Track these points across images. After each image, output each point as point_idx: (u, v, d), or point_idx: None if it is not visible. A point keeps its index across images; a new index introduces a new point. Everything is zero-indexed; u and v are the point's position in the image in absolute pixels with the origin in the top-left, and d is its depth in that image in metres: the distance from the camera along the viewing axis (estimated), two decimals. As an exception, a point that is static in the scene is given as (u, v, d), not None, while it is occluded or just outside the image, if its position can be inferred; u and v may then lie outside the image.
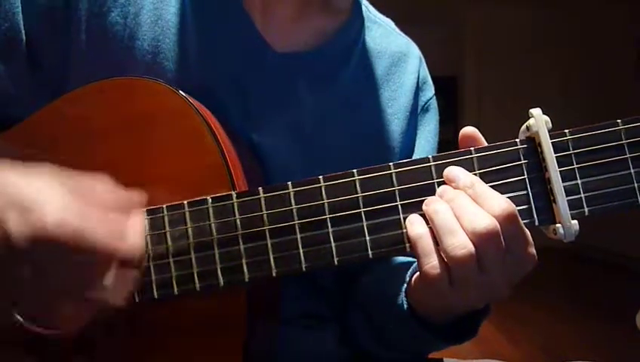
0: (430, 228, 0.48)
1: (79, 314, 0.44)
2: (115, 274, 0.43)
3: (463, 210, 0.46)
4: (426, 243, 0.47)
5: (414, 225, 0.48)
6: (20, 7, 0.59)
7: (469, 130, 0.51)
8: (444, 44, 5.10)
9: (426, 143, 0.72)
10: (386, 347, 0.65)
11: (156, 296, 0.51)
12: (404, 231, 0.49)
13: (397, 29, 0.77)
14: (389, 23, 0.77)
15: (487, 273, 0.46)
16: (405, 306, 0.57)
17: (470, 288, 0.47)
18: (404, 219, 0.49)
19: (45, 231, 0.40)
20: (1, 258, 0.40)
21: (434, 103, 0.76)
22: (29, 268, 0.40)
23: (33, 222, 0.40)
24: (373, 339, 0.66)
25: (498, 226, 0.45)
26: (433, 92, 0.76)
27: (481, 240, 0.45)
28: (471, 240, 0.45)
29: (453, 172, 0.49)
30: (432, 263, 0.47)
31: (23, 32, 0.59)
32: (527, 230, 0.47)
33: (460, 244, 0.45)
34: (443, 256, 0.46)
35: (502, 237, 0.45)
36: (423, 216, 0.48)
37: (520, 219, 0.46)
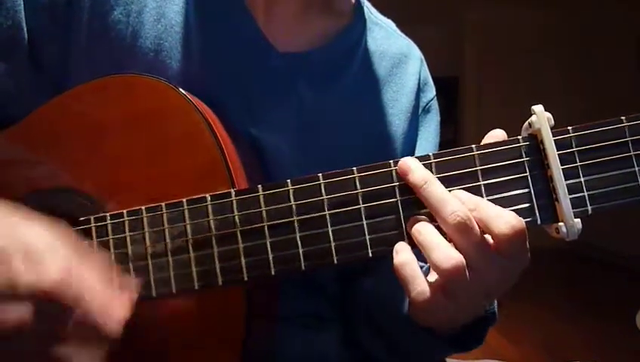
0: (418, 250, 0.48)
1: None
2: (93, 344, 0.44)
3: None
4: (410, 269, 0.47)
5: (399, 253, 0.47)
6: (22, 5, 0.59)
7: (497, 132, 0.50)
8: (445, 44, 5.10)
9: (427, 144, 0.72)
10: (388, 350, 0.65)
11: (155, 295, 0.50)
12: (405, 229, 0.48)
13: (398, 31, 0.77)
14: (390, 24, 0.77)
15: (478, 278, 0.46)
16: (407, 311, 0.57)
17: (465, 296, 0.47)
18: (404, 216, 0.49)
19: (49, 284, 0.40)
20: (5, 297, 0.40)
21: (435, 104, 0.76)
22: (28, 314, 0.40)
23: (39, 271, 0.40)
24: (375, 342, 0.65)
25: (477, 228, 0.45)
26: (434, 93, 0.76)
27: (468, 245, 0.45)
28: (457, 249, 0.45)
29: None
30: (416, 290, 0.46)
31: (25, 30, 0.59)
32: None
33: (445, 256, 0.45)
34: (434, 270, 0.46)
35: (503, 251, 0.45)
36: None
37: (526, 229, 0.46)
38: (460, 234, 0.45)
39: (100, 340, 0.44)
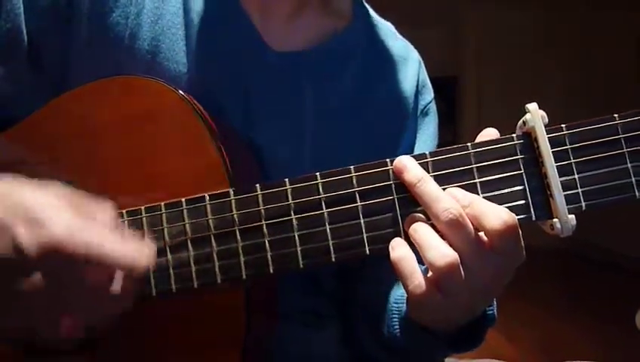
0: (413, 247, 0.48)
1: (86, 322, 0.45)
2: (122, 282, 0.45)
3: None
4: (407, 264, 0.47)
5: (395, 249, 0.48)
6: (22, 8, 0.59)
7: (490, 131, 0.51)
8: (445, 44, 5.10)
9: (425, 146, 0.72)
10: (388, 351, 0.65)
11: (154, 294, 0.51)
12: (402, 227, 0.49)
13: (397, 33, 0.77)
14: (389, 26, 0.77)
15: (473, 275, 0.46)
16: (405, 310, 0.57)
17: (462, 294, 0.47)
18: (401, 214, 0.49)
19: (55, 243, 0.41)
20: (14, 269, 0.41)
21: (433, 107, 0.76)
22: (41, 279, 0.41)
23: (43, 234, 0.41)
24: (375, 341, 0.66)
25: (470, 224, 0.46)
26: (432, 95, 0.76)
27: (462, 242, 0.46)
28: (452, 247, 0.46)
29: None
30: (414, 284, 0.47)
31: (25, 32, 0.59)
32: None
33: (440, 254, 0.45)
34: (429, 268, 0.46)
35: (497, 247, 0.46)
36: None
37: (518, 226, 0.46)
38: (453, 231, 0.46)
39: (126, 275, 0.44)
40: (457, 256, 0.45)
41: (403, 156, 0.49)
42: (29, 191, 0.43)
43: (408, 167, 0.48)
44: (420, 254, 0.47)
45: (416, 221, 0.48)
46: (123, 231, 0.46)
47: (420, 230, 0.47)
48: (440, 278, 0.46)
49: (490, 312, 0.58)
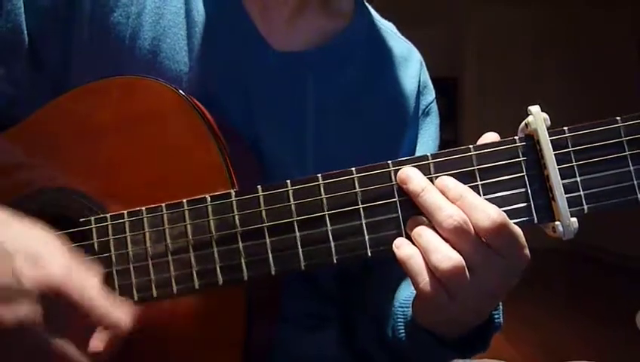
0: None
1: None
2: (102, 338, 0.45)
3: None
4: (415, 262, 0.47)
5: (401, 248, 0.48)
6: (23, 8, 0.59)
7: (491, 135, 0.51)
8: (445, 44, 5.11)
9: (426, 147, 0.72)
10: (390, 354, 0.65)
11: (155, 295, 0.51)
12: (404, 229, 0.49)
13: (398, 33, 0.77)
14: (390, 26, 0.77)
15: (478, 278, 0.46)
16: (410, 314, 0.57)
17: (467, 296, 0.47)
18: (403, 216, 0.49)
19: (53, 279, 0.41)
20: (11, 293, 0.40)
21: (434, 107, 0.76)
22: (27, 315, 0.41)
23: (42, 272, 0.41)
24: (377, 344, 0.66)
25: (472, 230, 0.45)
26: (434, 96, 0.76)
27: (466, 247, 0.46)
28: (456, 251, 0.46)
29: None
30: (425, 281, 0.46)
31: (26, 32, 0.59)
32: (518, 231, 0.47)
33: (445, 257, 0.45)
34: (434, 272, 0.46)
35: (491, 245, 0.46)
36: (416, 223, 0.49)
37: (510, 225, 0.46)
38: (458, 237, 0.46)
39: (103, 343, 0.44)
40: (462, 259, 0.45)
41: (406, 167, 0.49)
42: (26, 228, 0.44)
43: (411, 177, 0.48)
44: (423, 257, 0.47)
45: (419, 224, 0.48)
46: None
47: (425, 234, 0.47)
48: (446, 281, 0.46)
49: (497, 319, 0.57)
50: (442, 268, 0.45)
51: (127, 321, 0.44)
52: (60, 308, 0.41)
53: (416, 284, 0.47)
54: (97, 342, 0.44)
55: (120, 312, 0.44)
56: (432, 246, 0.46)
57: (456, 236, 0.46)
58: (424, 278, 0.47)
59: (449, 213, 0.46)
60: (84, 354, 0.44)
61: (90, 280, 0.43)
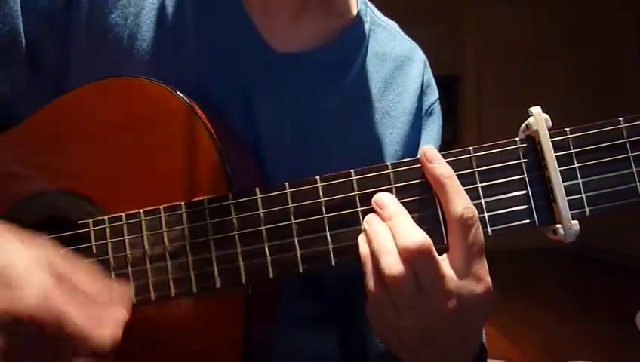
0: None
1: None
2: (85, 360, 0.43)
3: (397, 230, 0.46)
4: (368, 262, 0.46)
5: (362, 244, 0.47)
6: (20, 10, 0.59)
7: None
8: (445, 43, 5.10)
9: None
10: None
11: (153, 298, 0.50)
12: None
13: (401, 33, 0.76)
14: (393, 26, 0.76)
15: (428, 297, 0.45)
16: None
17: (418, 318, 0.46)
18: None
19: (24, 309, 0.39)
20: None
21: (438, 107, 0.75)
22: (4, 337, 0.40)
23: (14, 296, 0.39)
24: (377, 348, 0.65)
25: (431, 244, 0.45)
26: (437, 96, 0.76)
27: (414, 257, 0.44)
28: (404, 259, 0.45)
29: (435, 152, 0.48)
30: (369, 284, 0.46)
31: (23, 34, 0.59)
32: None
33: (392, 263, 0.44)
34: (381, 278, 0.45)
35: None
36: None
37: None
38: (463, 228, 0.46)
39: (91, 353, 0.43)
40: (408, 270, 0.44)
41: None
42: (10, 248, 0.42)
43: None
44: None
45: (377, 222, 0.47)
46: (100, 294, 0.45)
47: (380, 232, 0.47)
48: (390, 290, 0.45)
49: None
50: (388, 274, 0.44)
51: (113, 339, 0.43)
52: (37, 332, 0.40)
53: (365, 286, 0.47)
54: None
55: (105, 329, 0.42)
56: (382, 249, 0.46)
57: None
58: (369, 282, 0.46)
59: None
60: None
61: (72, 302, 0.42)
